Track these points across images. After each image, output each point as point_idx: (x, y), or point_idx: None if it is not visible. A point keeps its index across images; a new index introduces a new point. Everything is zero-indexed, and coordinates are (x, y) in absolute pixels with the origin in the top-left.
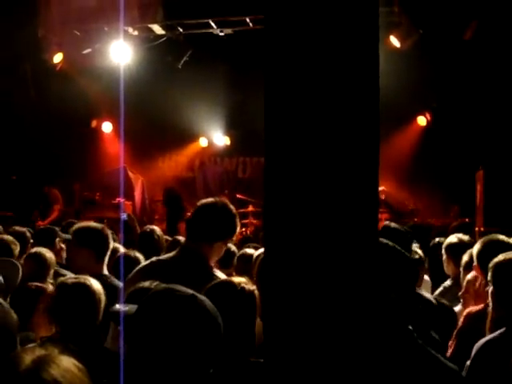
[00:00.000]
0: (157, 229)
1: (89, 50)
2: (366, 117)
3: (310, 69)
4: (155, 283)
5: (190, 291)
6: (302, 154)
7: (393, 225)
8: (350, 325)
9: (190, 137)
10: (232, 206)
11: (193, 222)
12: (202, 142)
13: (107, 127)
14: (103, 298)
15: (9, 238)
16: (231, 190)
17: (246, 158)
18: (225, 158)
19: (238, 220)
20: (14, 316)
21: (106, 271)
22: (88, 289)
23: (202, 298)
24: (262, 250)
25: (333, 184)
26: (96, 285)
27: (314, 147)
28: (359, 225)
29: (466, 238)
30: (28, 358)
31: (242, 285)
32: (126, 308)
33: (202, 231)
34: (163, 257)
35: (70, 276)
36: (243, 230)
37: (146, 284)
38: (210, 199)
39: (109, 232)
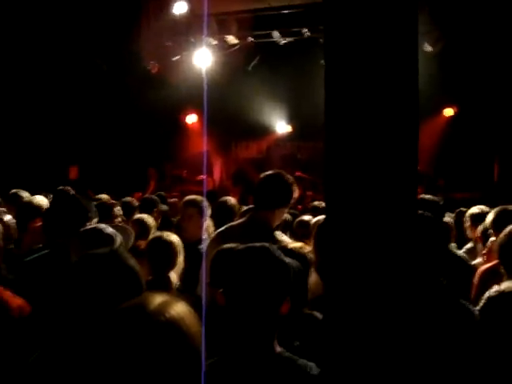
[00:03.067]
0: (231, 199)
1: (178, 57)
2: (408, 107)
3: (362, 71)
4: (235, 245)
5: (266, 244)
6: (354, 138)
7: (427, 197)
8: (395, 280)
9: (259, 126)
10: (289, 176)
11: (256, 192)
12: (268, 130)
13: (193, 119)
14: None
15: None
16: (292, 169)
17: (303, 143)
18: (287, 142)
19: (294, 187)
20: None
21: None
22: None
23: (272, 246)
24: (319, 217)
25: (382, 164)
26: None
27: (364, 131)
28: (402, 197)
29: (485, 208)
30: (155, 301)
31: (299, 249)
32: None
33: (264, 199)
34: (236, 223)
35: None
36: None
37: (229, 246)
38: (270, 171)
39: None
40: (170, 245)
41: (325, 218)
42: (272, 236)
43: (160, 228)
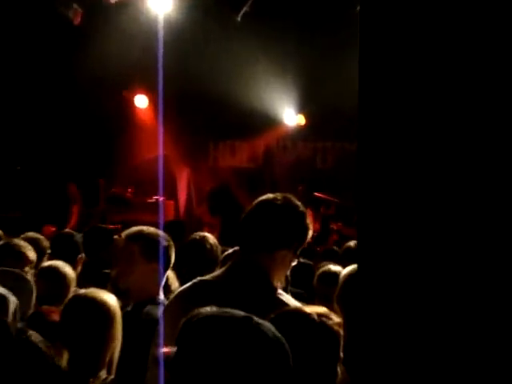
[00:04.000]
0: (210, 236)
1: None
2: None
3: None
4: (206, 311)
5: (243, 313)
6: (408, 139)
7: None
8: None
9: (251, 115)
10: (299, 202)
11: (246, 226)
12: (268, 122)
13: (141, 102)
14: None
15: (22, 243)
16: (307, 186)
17: (326, 143)
18: (298, 142)
19: (308, 220)
20: None
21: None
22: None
23: (260, 320)
24: (351, 267)
25: (456, 182)
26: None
27: (424, 132)
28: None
29: None
30: None
31: (322, 318)
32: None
33: (259, 237)
34: (209, 276)
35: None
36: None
37: (200, 312)
38: (269, 195)
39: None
40: (98, 312)
41: (357, 270)
42: (272, 297)
43: (84, 281)
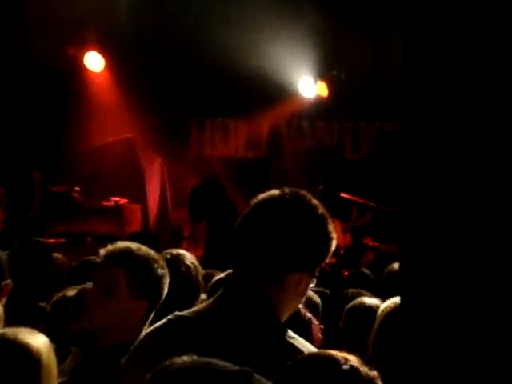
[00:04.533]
0: (186, 255)
1: None
2: None
3: None
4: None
5: (236, 366)
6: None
7: None
8: None
9: (252, 84)
10: (316, 201)
11: (242, 238)
12: (276, 94)
13: (94, 63)
14: None
15: None
16: (329, 183)
17: (358, 123)
18: (318, 121)
19: (330, 227)
20: None
21: None
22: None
23: (264, 380)
24: (393, 301)
25: None
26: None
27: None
28: None
29: None
30: None
31: (353, 364)
32: None
33: (261, 255)
34: (189, 311)
35: None
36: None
37: (176, 362)
38: (273, 191)
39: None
40: (18, 360)
41: (400, 306)
42: (279, 342)
43: (10, 318)
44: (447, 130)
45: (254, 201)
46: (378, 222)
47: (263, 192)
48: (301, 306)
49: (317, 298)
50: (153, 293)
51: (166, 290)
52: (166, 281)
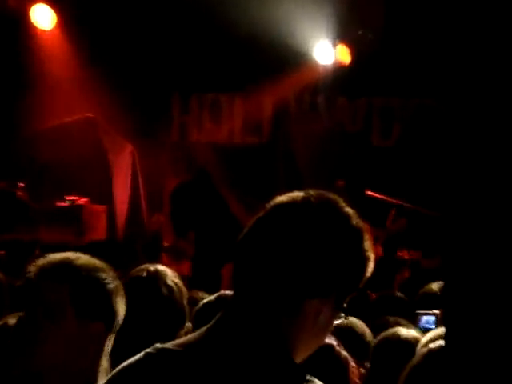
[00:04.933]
0: (167, 272)
1: None
2: None
3: None
4: None
5: None
6: None
7: None
8: None
9: (251, 51)
10: (351, 210)
11: (247, 253)
12: (283, 61)
13: (43, 19)
14: None
15: None
16: (352, 178)
17: (390, 100)
18: (338, 97)
19: (367, 243)
20: None
21: None
22: None
23: None
24: (434, 334)
25: None
26: None
27: None
28: None
29: None
30: None
31: None
32: None
33: (272, 274)
34: (173, 344)
35: None
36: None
37: None
38: (296, 194)
39: None
40: None
41: (445, 340)
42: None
43: None
44: None
45: (269, 205)
46: (416, 229)
47: (267, 189)
48: (334, 340)
49: (365, 332)
50: (105, 311)
51: (122, 310)
52: (120, 298)
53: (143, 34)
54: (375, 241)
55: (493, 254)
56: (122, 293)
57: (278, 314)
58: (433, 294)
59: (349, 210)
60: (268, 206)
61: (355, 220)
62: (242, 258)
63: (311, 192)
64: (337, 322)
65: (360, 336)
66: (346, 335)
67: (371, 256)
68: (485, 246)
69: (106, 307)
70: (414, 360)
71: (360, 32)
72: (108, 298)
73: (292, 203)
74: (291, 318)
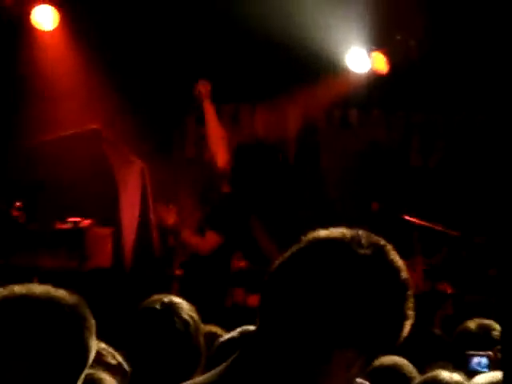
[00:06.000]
0: (183, 304)
1: None
2: None
3: None
4: None
5: None
6: None
7: None
8: None
9: (277, 57)
10: (401, 263)
11: (275, 291)
12: (313, 70)
13: (45, 19)
14: None
15: None
16: (388, 201)
17: (431, 116)
18: (372, 111)
19: (410, 305)
20: None
21: None
22: None
23: None
24: (485, 379)
25: None
26: None
27: None
28: None
29: None
30: None
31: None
32: None
33: (302, 317)
34: (194, 381)
35: None
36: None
37: None
38: (339, 231)
39: None
40: None
41: None
42: None
43: None
44: None
45: (308, 239)
46: (459, 260)
47: (291, 211)
48: None
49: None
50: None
51: (92, 355)
52: (92, 344)
53: (156, 38)
54: (426, 273)
55: None
56: (93, 343)
57: (305, 361)
58: (469, 332)
59: (399, 262)
60: (307, 239)
61: (404, 275)
62: (271, 293)
63: (360, 232)
64: (359, 380)
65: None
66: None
67: (411, 315)
68: None
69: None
70: None
71: (398, 38)
72: (77, 346)
73: (338, 240)
74: (318, 367)
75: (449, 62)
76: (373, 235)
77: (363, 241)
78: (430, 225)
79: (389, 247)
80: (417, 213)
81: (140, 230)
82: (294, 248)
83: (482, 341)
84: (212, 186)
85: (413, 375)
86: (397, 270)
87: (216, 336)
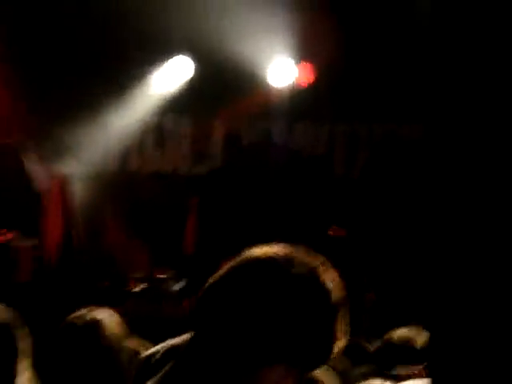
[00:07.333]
0: (108, 320)
1: None
2: None
3: None
4: None
5: None
6: None
7: None
8: None
9: (201, 72)
10: (332, 284)
11: (212, 308)
12: (235, 83)
13: None
14: None
15: None
16: (311, 213)
17: (355, 126)
18: (297, 124)
19: (340, 328)
20: None
21: None
22: None
23: None
24: None
25: None
26: None
27: None
28: None
29: None
30: None
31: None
32: None
33: (234, 335)
34: None
35: None
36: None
37: None
38: (274, 250)
39: None
40: None
41: None
42: None
43: None
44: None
45: (244, 257)
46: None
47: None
48: None
49: None
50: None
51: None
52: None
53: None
54: None
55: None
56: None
57: (234, 378)
58: (393, 344)
59: (331, 283)
60: (241, 256)
61: (335, 296)
62: (203, 309)
63: (296, 252)
64: None
65: None
66: None
67: (342, 337)
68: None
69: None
70: None
71: (322, 50)
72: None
73: (271, 259)
74: (251, 382)
75: (372, 74)
76: (310, 254)
77: (296, 260)
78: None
79: (323, 268)
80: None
81: (63, 243)
82: (228, 265)
83: (405, 353)
84: None
85: None
86: (327, 291)
87: (137, 352)
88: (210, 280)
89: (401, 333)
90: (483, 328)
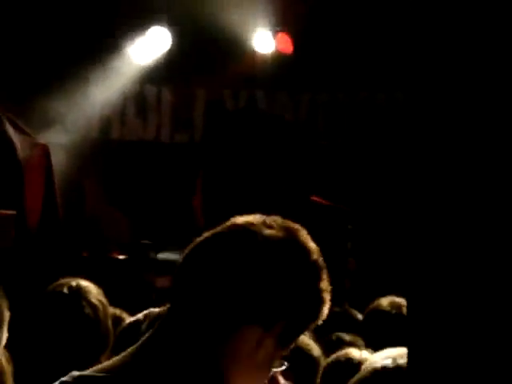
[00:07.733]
0: (91, 288)
1: None
2: None
3: None
4: None
5: None
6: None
7: None
8: None
9: (184, 39)
10: (312, 246)
11: (191, 271)
12: (218, 52)
13: None
14: None
15: None
16: (294, 181)
17: (336, 94)
18: (278, 93)
19: (324, 287)
20: None
21: None
22: None
23: None
24: (389, 353)
25: None
26: None
27: None
28: None
29: None
30: None
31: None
32: None
33: (213, 296)
34: (95, 369)
35: None
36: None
37: None
38: (254, 218)
39: None
40: None
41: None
42: None
43: None
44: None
45: (228, 224)
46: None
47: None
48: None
49: (315, 352)
50: None
51: (4, 334)
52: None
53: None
54: None
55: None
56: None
57: (214, 340)
58: (381, 311)
59: (311, 245)
60: (227, 224)
61: (315, 256)
62: (183, 274)
63: (274, 219)
64: (278, 368)
65: (306, 353)
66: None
67: (327, 298)
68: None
69: None
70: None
71: (302, 18)
72: None
73: (248, 224)
74: (228, 345)
75: (353, 42)
76: (289, 221)
77: (275, 224)
78: (334, 204)
79: (300, 231)
80: (323, 193)
81: (45, 212)
82: (208, 233)
83: (394, 319)
84: None
85: (314, 350)
86: (307, 252)
87: (121, 319)
88: (191, 245)
89: (392, 300)
90: (462, 298)
